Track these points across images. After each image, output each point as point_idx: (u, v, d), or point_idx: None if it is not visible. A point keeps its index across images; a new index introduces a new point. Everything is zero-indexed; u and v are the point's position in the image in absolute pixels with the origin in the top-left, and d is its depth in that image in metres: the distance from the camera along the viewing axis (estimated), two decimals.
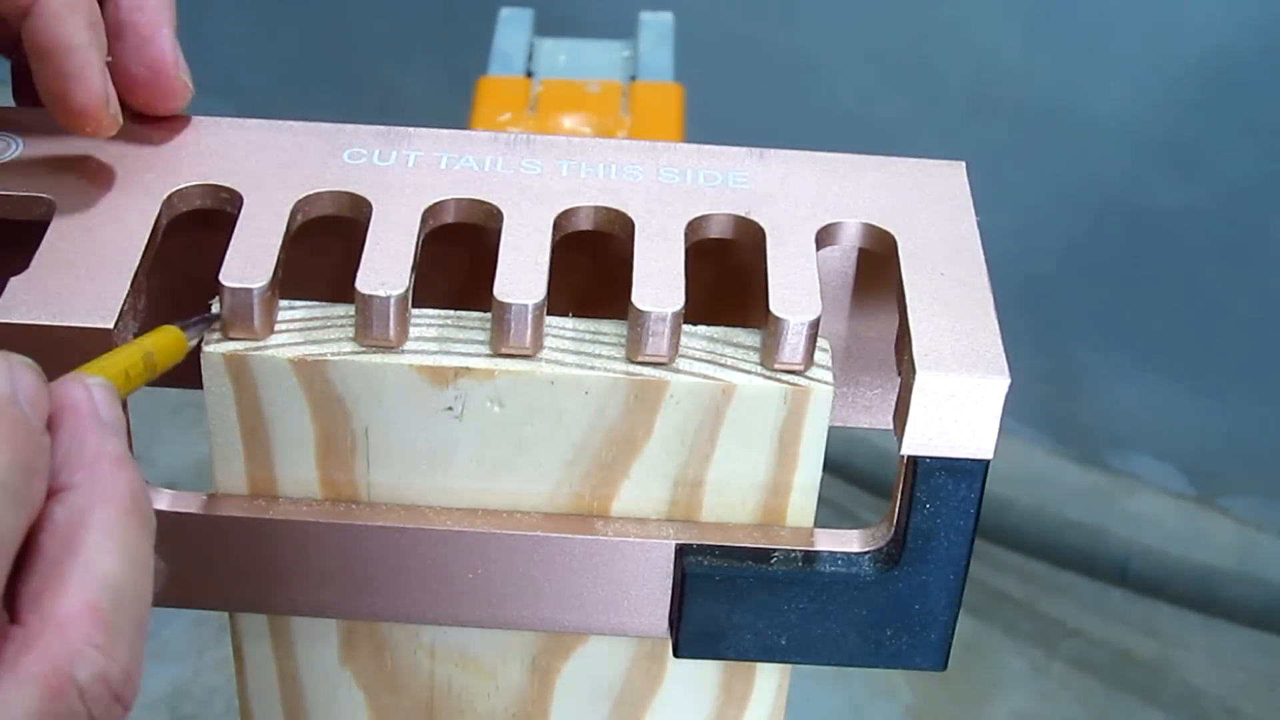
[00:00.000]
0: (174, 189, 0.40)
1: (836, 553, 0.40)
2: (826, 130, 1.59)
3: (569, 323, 0.39)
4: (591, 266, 0.44)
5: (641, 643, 0.44)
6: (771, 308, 0.38)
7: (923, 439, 0.38)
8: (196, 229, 0.41)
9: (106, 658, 0.30)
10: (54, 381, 0.32)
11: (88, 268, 0.38)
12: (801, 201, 0.41)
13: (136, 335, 0.38)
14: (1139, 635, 1.54)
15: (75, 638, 0.29)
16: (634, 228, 0.40)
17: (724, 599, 0.40)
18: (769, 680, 0.44)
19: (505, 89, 0.81)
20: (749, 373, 0.38)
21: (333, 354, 0.38)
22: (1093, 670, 1.52)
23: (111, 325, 0.36)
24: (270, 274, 0.37)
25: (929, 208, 0.42)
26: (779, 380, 0.38)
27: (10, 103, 0.44)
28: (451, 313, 0.39)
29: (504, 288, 0.37)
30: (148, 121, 0.42)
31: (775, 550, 0.40)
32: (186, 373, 0.39)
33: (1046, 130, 1.51)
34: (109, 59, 0.41)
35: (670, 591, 0.40)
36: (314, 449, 0.39)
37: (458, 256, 0.44)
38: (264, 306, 0.37)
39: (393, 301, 0.37)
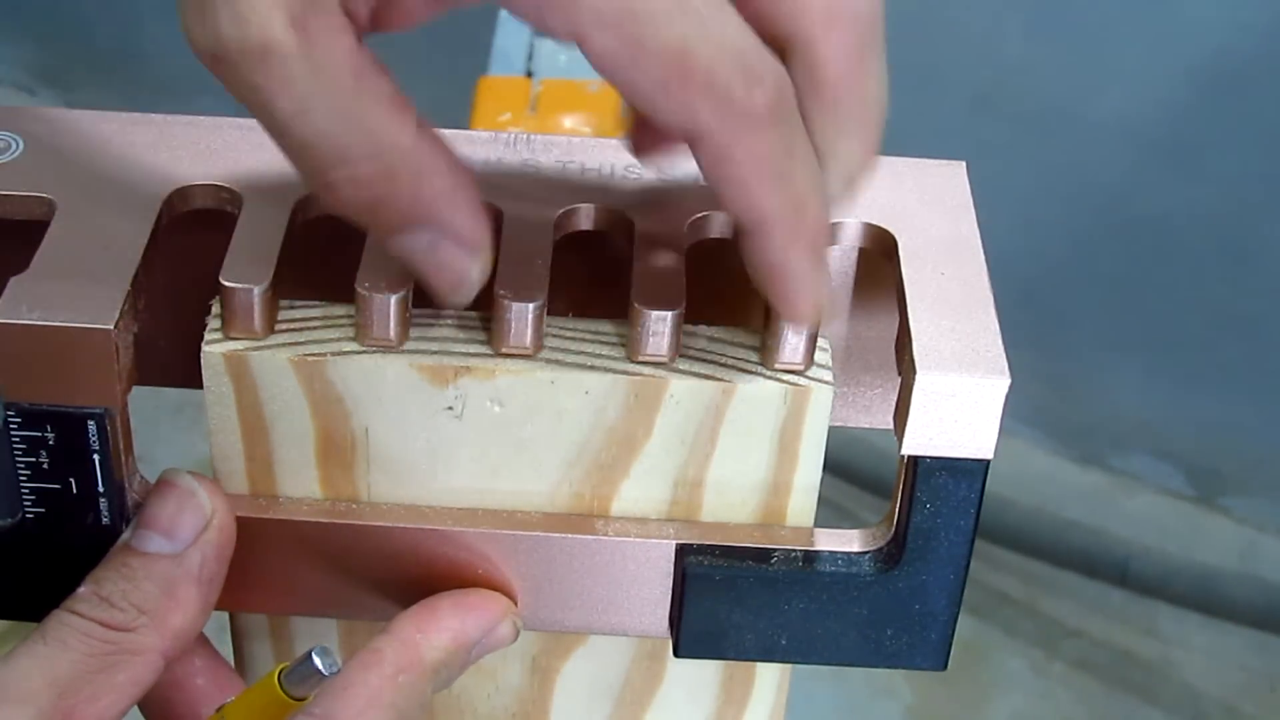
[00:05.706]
0: (174, 189, 0.40)
1: (836, 553, 0.40)
2: None
3: (569, 323, 0.39)
4: (591, 266, 0.44)
5: (641, 643, 0.43)
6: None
7: (923, 439, 0.38)
8: (196, 229, 0.41)
9: None
10: None
11: (88, 267, 0.38)
12: None
13: (136, 336, 0.38)
14: (1139, 635, 1.54)
15: None
16: (634, 228, 0.40)
17: (724, 599, 0.40)
18: (769, 680, 0.44)
19: (505, 89, 0.81)
20: (749, 373, 0.38)
21: (333, 354, 0.38)
22: (1093, 670, 1.52)
23: (111, 325, 0.36)
24: (270, 274, 0.37)
25: (929, 208, 0.42)
26: (779, 380, 0.38)
27: (10, 103, 0.44)
28: (452, 313, 0.39)
29: (504, 288, 0.37)
30: (147, 122, 0.42)
31: (775, 550, 0.40)
32: (186, 373, 0.39)
33: (1046, 130, 1.51)
34: None
35: (670, 591, 0.40)
36: (314, 449, 0.39)
37: None
38: (264, 306, 0.37)
39: (393, 301, 0.37)
